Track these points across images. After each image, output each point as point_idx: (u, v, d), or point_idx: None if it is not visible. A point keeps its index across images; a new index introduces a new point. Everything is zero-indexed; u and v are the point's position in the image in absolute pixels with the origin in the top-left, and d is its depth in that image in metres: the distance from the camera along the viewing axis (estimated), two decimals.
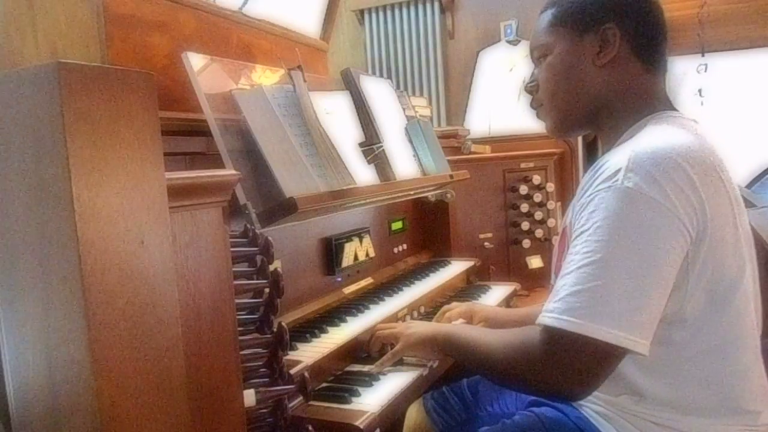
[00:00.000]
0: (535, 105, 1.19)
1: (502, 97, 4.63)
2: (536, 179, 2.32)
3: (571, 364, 0.89)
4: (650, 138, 0.96)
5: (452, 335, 1.17)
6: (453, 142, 2.31)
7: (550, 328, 0.90)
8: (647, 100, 1.08)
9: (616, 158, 0.93)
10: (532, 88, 1.18)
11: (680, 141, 0.95)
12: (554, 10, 1.13)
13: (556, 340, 0.90)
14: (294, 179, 1.22)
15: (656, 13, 1.10)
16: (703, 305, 0.94)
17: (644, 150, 0.92)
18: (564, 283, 0.91)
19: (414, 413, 1.47)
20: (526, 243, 2.31)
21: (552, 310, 0.91)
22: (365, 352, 1.34)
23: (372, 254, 1.71)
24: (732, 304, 0.95)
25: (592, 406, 1.07)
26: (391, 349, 1.27)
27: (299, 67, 1.37)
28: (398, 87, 4.08)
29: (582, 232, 0.92)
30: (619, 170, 0.91)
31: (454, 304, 1.57)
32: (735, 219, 0.97)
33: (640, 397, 0.99)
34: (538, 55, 1.15)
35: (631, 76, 1.08)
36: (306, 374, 1.04)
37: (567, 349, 0.89)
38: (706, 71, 3.83)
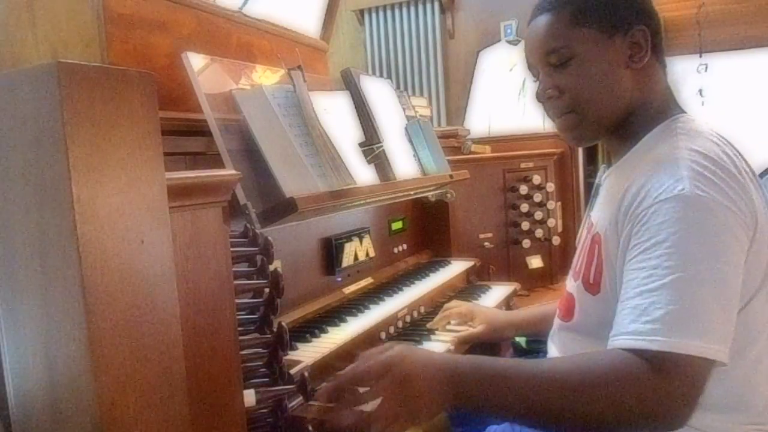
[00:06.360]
0: (561, 111, 1.08)
1: (502, 97, 4.63)
2: (536, 179, 2.32)
3: (681, 388, 0.81)
4: (697, 145, 0.95)
5: (478, 371, 0.87)
6: (453, 142, 2.31)
7: (656, 352, 0.82)
8: (666, 104, 1.07)
9: (669, 167, 0.91)
10: (552, 94, 1.07)
11: (722, 147, 0.95)
12: (572, 9, 1.04)
13: (665, 364, 0.81)
14: (294, 179, 1.22)
15: (657, 14, 1.09)
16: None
17: (701, 155, 0.91)
18: (653, 301, 0.84)
19: None
20: (526, 243, 2.31)
21: (650, 333, 0.82)
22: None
23: (372, 254, 1.71)
24: (758, 299, 0.95)
25: None
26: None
27: (299, 67, 1.37)
28: (398, 87, 4.08)
29: (655, 244, 0.87)
30: (681, 178, 0.89)
31: (455, 302, 1.56)
32: None
33: None
34: (557, 59, 1.05)
35: (655, 78, 1.07)
36: (306, 374, 1.04)
37: (678, 373, 0.81)
38: (706, 71, 3.83)
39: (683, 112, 1.08)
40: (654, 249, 0.87)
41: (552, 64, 1.07)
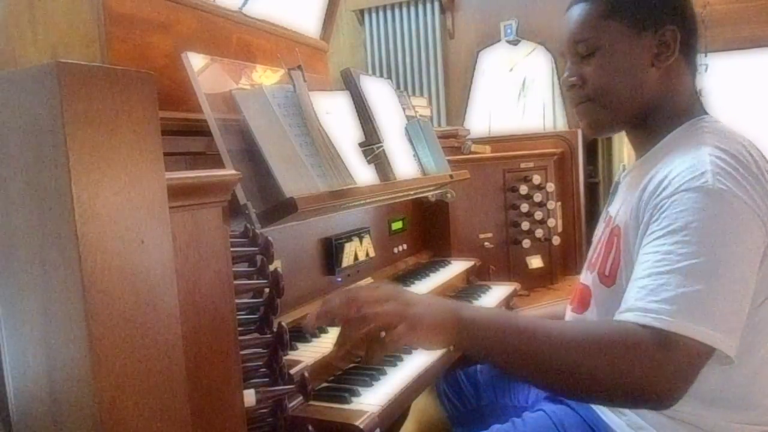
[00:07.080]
0: (580, 100, 1.11)
1: (502, 97, 4.63)
2: (536, 179, 2.32)
3: (679, 366, 0.84)
4: (722, 143, 0.96)
5: (486, 317, 0.91)
6: (453, 142, 2.31)
7: (659, 329, 0.83)
8: (691, 105, 1.08)
9: (693, 160, 0.93)
10: (575, 82, 1.11)
11: (747, 147, 0.96)
12: (606, 1, 1.06)
13: (668, 341, 0.83)
14: (294, 179, 1.22)
15: (695, 16, 1.10)
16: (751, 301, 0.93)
17: (725, 153, 0.92)
18: (662, 283, 0.85)
19: (423, 395, 1.45)
20: (526, 243, 2.31)
21: (657, 311, 0.84)
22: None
23: (372, 254, 1.71)
24: None
25: None
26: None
27: (299, 67, 1.37)
28: (398, 87, 4.08)
29: (672, 231, 0.88)
30: (704, 172, 0.90)
31: None
32: None
33: None
34: (585, 49, 1.08)
35: (682, 79, 1.08)
36: (306, 374, 1.04)
37: (678, 351, 0.83)
38: (706, 71, 3.82)
39: (707, 114, 1.09)
40: (670, 236, 0.88)
41: (579, 53, 1.09)
